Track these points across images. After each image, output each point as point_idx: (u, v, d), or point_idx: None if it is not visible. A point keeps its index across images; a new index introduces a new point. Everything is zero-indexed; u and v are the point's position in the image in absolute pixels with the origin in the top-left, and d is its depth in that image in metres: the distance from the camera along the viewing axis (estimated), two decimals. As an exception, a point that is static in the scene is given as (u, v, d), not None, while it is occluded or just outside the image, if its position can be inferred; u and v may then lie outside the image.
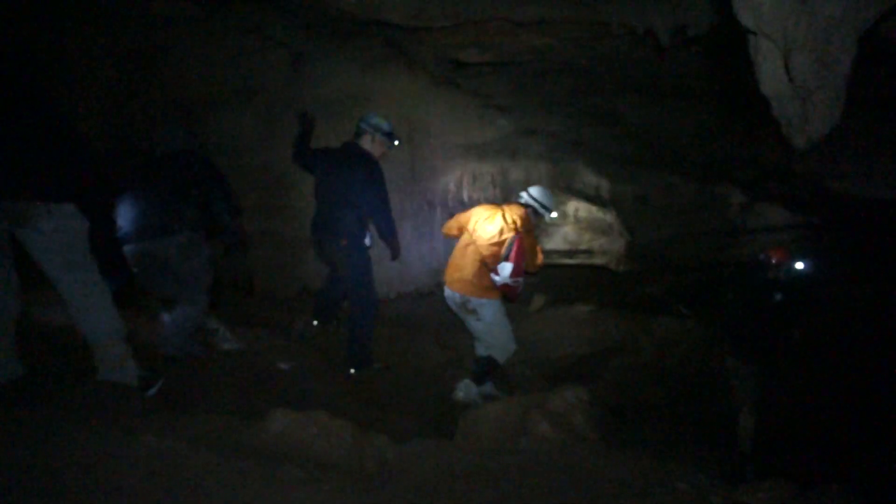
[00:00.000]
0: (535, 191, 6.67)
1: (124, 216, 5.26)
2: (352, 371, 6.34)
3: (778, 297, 7.35)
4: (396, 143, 6.49)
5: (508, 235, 6.25)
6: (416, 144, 7.98)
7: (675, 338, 8.96)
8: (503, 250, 6.22)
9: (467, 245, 6.44)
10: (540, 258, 6.83)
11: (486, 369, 6.59)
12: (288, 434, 3.56)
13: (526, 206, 6.57)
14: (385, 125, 6.27)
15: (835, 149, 7.70)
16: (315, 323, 7.06)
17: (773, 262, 7.35)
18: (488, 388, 6.69)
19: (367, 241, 6.27)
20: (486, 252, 6.27)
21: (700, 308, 9.62)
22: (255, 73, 7.55)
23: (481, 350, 6.75)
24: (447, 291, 6.59)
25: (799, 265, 7.51)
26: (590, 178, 8.19)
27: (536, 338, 8.36)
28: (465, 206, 7.93)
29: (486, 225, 6.37)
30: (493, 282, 6.32)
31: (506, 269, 6.22)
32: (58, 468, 2.76)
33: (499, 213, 6.43)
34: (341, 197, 6.17)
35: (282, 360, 6.04)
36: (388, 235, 6.26)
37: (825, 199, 9.01)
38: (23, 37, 6.58)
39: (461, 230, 6.67)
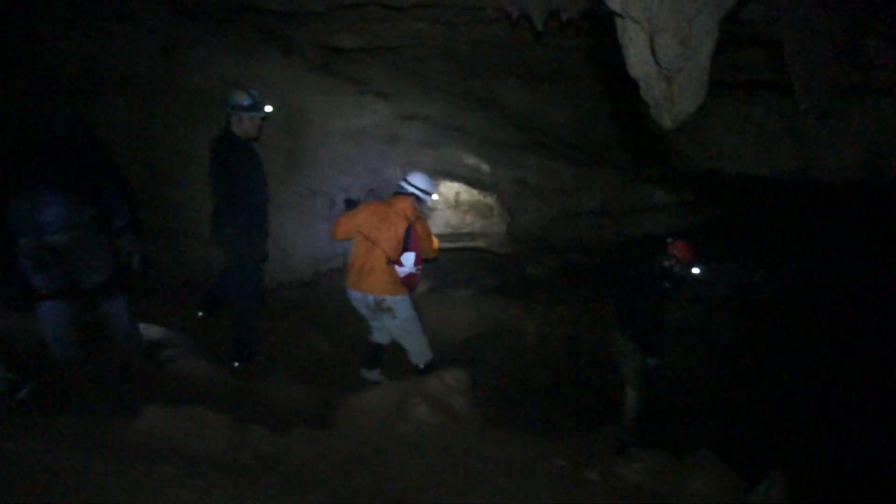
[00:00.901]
0: (413, 178, 6.65)
1: (17, 208, 4.98)
2: (235, 364, 6.22)
3: (667, 285, 7.56)
4: (267, 109, 6.27)
5: (403, 226, 6.30)
6: (294, 132, 7.85)
7: (559, 319, 9.10)
8: (402, 242, 6.27)
9: (367, 246, 6.40)
10: (436, 243, 6.87)
11: (376, 355, 6.69)
12: (161, 430, 3.46)
13: (408, 194, 6.57)
14: (243, 100, 6.06)
15: (706, 129, 7.95)
16: (200, 314, 6.90)
17: (676, 253, 7.55)
18: (376, 374, 6.73)
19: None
20: (388, 248, 6.28)
21: (585, 288, 9.81)
22: (128, 61, 7.28)
23: (379, 337, 6.80)
24: (355, 294, 6.49)
25: (696, 270, 7.73)
26: (470, 163, 8.21)
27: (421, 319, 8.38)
28: (346, 192, 7.85)
29: (380, 223, 6.38)
30: (399, 277, 6.36)
31: (409, 258, 6.30)
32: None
33: (387, 208, 6.45)
34: (220, 187, 6.08)
35: (163, 354, 5.90)
36: (244, 224, 6.15)
37: (698, 178, 9.29)
38: None
39: (350, 232, 6.61)
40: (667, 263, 7.53)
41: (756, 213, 10.51)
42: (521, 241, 8.73)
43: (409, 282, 6.44)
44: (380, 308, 6.41)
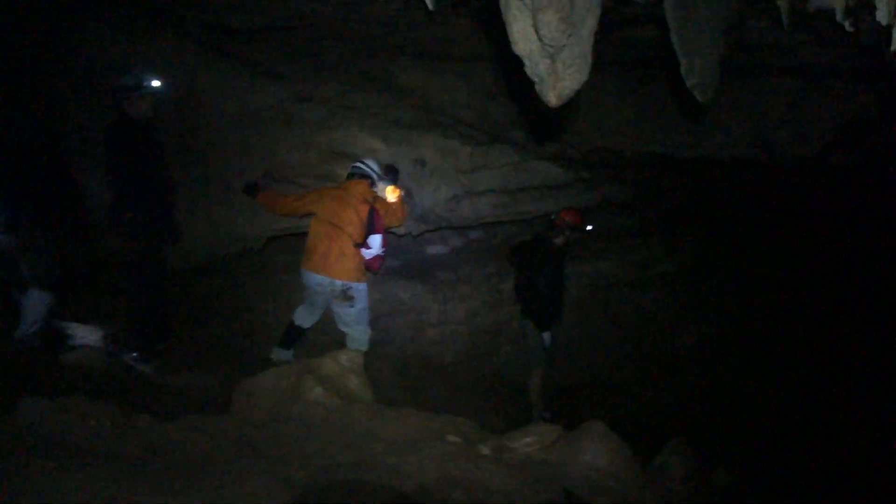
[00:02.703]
0: (368, 161, 6.91)
1: None
2: (133, 354, 6.12)
3: (563, 262, 7.73)
4: (154, 83, 6.14)
5: (365, 209, 6.49)
6: (186, 115, 7.67)
7: (460, 297, 9.16)
8: (366, 225, 6.46)
9: (331, 231, 6.46)
10: (402, 215, 7.12)
11: (295, 338, 6.83)
12: (40, 423, 3.36)
13: (364, 176, 6.76)
14: (127, 80, 6.00)
15: (600, 106, 8.09)
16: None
17: (566, 222, 7.69)
18: (289, 354, 6.78)
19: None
20: (353, 232, 6.41)
21: (486, 266, 9.89)
22: (7, 43, 7.00)
23: (304, 321, 6.87)
24: (319, 279, 6.51)
25: (589, 227, 7.91)
26: (367, 143, 8.17)
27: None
28: (243, 175, 7.71)
29: (341, 207, 6.50)
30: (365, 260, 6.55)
31: (376, 240, 6.58)
32: None
33: (344, 193, 6.62)
34: (119, 172, 6.00)
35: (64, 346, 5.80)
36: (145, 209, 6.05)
37: (595, 156, 9.45)
38: None
39: (295, 211, 6.88)
40: (559, 238, 7.68)
41: (654, 191, 10.74)
42: (421, 221, 8.74)
43: (375, 263, 6.67)
44: (344, 295, 6.45)
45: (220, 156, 7.90)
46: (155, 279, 6.20)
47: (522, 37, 3.77)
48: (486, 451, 3.68)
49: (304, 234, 7.00)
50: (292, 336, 6.83)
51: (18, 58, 6.98)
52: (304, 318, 6.81)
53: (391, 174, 7.07)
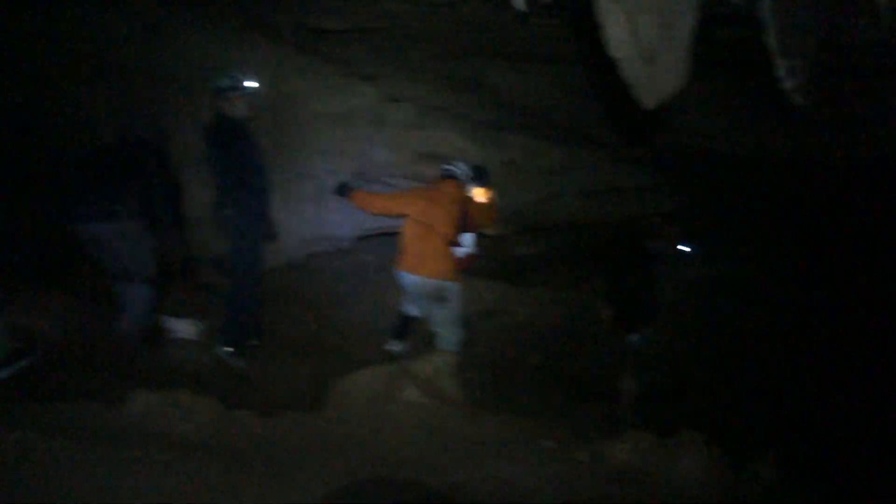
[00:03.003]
0: (460, 163, 6.96)
1: (73, 196, 5.40)
2: (226, 348, 6.25)
3: (657, 268, 7.63)
4: (249, 83, 6.28)
5: (456, 208, 6.53)
6: (280, 115, 7.82)
7: (548, 299, 9.14)
8: (458, 223, 6.51)
9: (424, 230, 6.53)
10: (492, 215, 7.22)
11: (406, 327, 7.07)
12: (150, 416, 3.49)
13: (454, 177, 6.81)
14: (223, 81, 6.15)
15: (693, 108, 7.96)
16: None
17: (663, 235, 7.64)
18: (404, 346, 7.06)
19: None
20: (446, 230, 6.45)
21: (574, 268, 9.84)
22: (109, 46, 7.23)
23: (412, 310, 7.05)
24: (414, 279, 6.58)
25: (684, 248, 7.82)
26: (456, 144, 8.20)
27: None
28: (335, 175, 7.83)
29: (432, 206, 6.54)
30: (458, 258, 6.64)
31: (468, 237, 6.72)
32: None
33: (435, 192, 6.68)
34: (219, 170, 6.17)
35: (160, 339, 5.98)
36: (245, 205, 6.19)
37: (687, 158, 9.32)
38: None
39: (389, 211, 6.89)
40: (653, 245, 7.60)
41: (745, 196, 10.53)
42: (510, 222, 8.74)
43: (468, 261, 6.79)
44: (437, 294, 6.52)
45: (313, 155, 8.03)
46: (252, 276, 6.32)
47: (618, 40, 3.75)
48: (582, 456, 3.68)
49: (393, 234, 7.08)
50: (402, 326, 7.04)
51: (124, 60, 7.24)
52: (410, 308, 6.99)
53: (480, 175, 7.09)
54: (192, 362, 5.80)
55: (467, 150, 8.19)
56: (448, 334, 6.66)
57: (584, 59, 7.51)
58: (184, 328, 6.45)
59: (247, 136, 6.09)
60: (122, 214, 5.31)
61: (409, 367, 4.61)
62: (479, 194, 6.97)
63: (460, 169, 6.82)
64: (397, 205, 6.73)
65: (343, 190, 7.04)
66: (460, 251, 6.59)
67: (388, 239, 8.00)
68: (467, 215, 6.54)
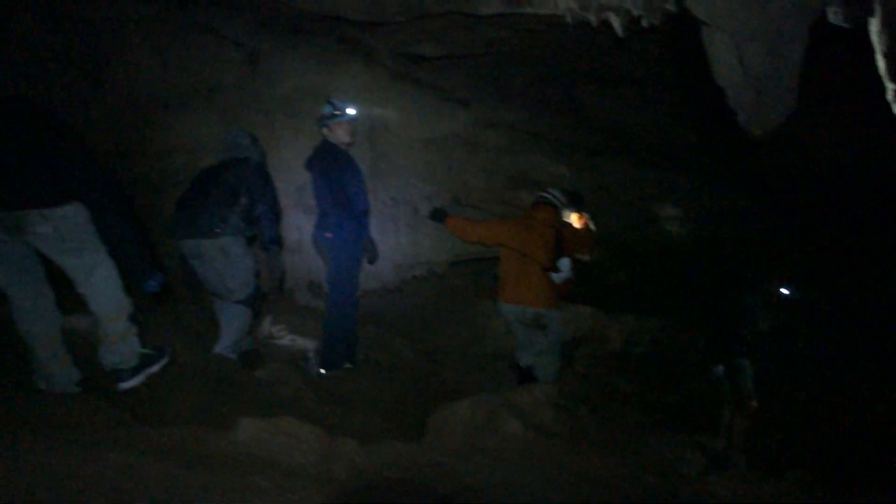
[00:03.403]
0: (554, 191, 6.81)
1: (177, 213, 5.60)
2: (321, 371, 6.31)
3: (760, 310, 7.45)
4: (349, 111, 6.33)
5: (551, 234, 6.43)
6: (376, 141, 7.92)
7: (642, 326, 9.01)
8: (554, 249, 6.40)
9: (519, 259, 6.50)
10: (588, 241, 7.03)
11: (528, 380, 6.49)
12: (255, 443, 3.52)
13: (549, 203, 6.70)
14: (325, 110, 6.27)
15: (801, 135, 7.76)
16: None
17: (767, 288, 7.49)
18: None
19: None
20: (542, 257, 6.38)
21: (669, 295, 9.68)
22: (211, 73, 7.42)
23: (526, 360, 6.72)
24: (512, 308, 6.58)
25: (785, 291, 7.64)
26: (551, 169, 8.19)
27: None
28: (429, 200, 7.89)
29: (527, 234, 6.48)
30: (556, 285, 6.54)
31: (565, 263, 6.63)
32: (24, 488, 2.71)
33: (529, 220, 6.60)
34: (322, 194, 6.25)
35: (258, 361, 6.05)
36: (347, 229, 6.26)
37: (790, 184, 9.09)
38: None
39: (485, 239, 6.79)
40: (753, 296, 7.44)
41: (849, 222, 10.21)
42: (604, 247, 8.67)
43: (566, 288, 6.73)
44: (537, 323, 6.46)
45: (408, 180, 8.11)
46: (350, 300, 6.37)
47: (725, 68, 3.70)
48: (685, 493, 3.60)
49: (483, 260, 7.06)
50: (523, 381, 6.60)
51: (227, 86, 7.44)
52: (522, 358, 6.77)
53: (575, 201, 7.02)
54: (289, 384, 5.84)
55: (562, 175, 8.17)
56: (547, 363, 6.55)
57: (682, 83, 7.43)
58: (279, 350, 6.52)
59: (349, 162, 6.19)
60: (225, 232, 5.42)
61: (509, 398, 4.58)
62: (575, 220, 6.90)
63: (554, 197, 6.74)
64: (493, 234, 6.68)
65: (438, 215, 7.04)
66: (558, 277, 6.53)
67: (477, 264, 8.03)
68: (563, 241, 6.47)
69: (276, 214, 5.79)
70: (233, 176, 5.55)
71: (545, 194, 6.78)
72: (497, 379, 7.32)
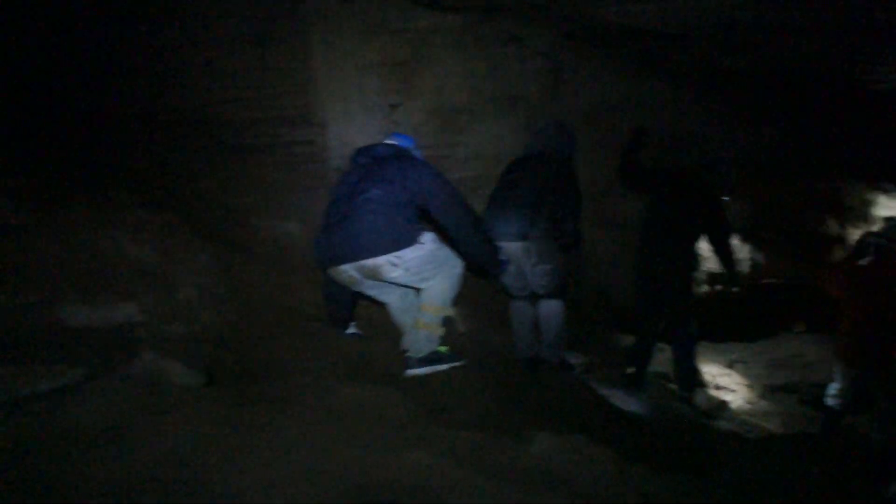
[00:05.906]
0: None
1: (491, 216, 5.46)
2: (683, 394, 6.33)
3: None
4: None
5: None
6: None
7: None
8: None
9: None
10: None
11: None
12: (551, 460, 3.51)
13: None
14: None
15: None
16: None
17: None
18: None
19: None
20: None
21: None
22: (515, 83, 7.55)
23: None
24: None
25: None
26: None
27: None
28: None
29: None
30: None
31: None
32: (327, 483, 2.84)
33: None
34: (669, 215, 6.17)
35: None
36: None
37: None
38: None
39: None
40: None
41: None
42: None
43: None
44: None
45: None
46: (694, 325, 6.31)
47: None
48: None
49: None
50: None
51: (524, 96, 7.54)
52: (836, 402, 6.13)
53: None
54: (576, 397, 5.76)
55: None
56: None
57: None
58: (575, 360, 6.39)
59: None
60: (535, 234, 5.34)
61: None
62: None
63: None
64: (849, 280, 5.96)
65: None
66: None
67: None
68: None
69: (577, 215, 5.61)
70: (543, 172, 5.48)
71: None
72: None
